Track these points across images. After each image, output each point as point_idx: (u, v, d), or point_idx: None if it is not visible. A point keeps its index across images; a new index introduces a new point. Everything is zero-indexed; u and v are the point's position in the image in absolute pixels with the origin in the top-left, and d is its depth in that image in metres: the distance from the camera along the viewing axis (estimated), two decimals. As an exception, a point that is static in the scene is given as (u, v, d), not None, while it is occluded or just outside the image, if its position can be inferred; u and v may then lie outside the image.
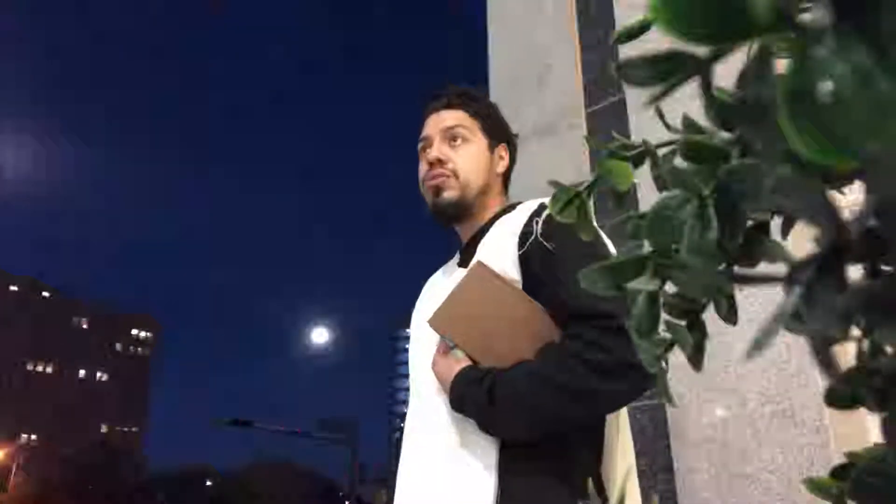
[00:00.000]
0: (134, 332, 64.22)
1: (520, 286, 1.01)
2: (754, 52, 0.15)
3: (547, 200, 1.07)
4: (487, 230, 1.13)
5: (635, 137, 0.50)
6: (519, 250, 1.03)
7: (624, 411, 1.03)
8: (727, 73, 0.20)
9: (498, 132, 1.23)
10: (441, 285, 1.19)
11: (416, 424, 1.09)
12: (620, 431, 1.02)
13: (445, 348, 1.04)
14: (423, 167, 1.19)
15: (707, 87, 0.18)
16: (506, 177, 1.24)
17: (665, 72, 0.18)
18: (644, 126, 1.85)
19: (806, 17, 0.14)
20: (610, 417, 1.01)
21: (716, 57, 0.16)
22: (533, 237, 1.01)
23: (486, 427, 0.96)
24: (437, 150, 1.17)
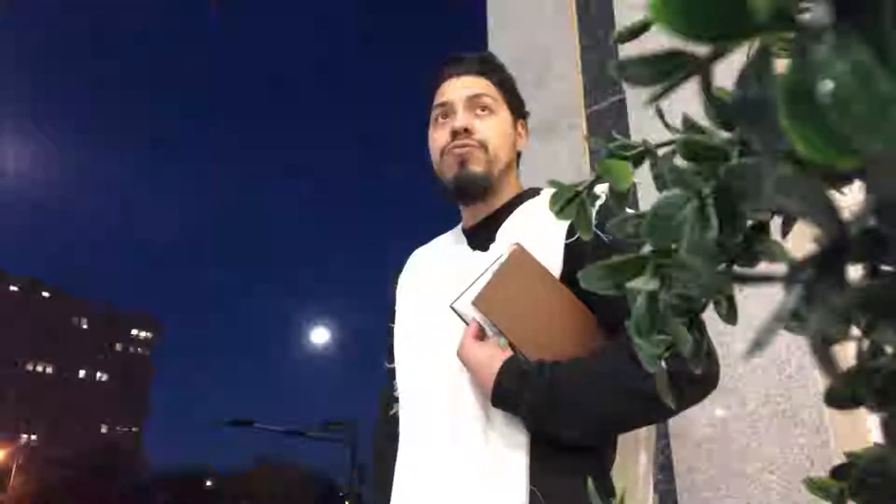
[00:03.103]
0: (134, 332, 64.23)
1: (558, 276, 0.93)
2: (754, 52, 0.15)
3: (599, 189, 1.02)
4: (507, 213, 1.04)
5: (635, 137, 0.50)
6: (567, 239, 0.94)
7: None
8: (727, 73, 0.20)
9: (519, 106, 1.15)
10: (445, 265, 1.08)
11: (426, 417, 0.97)
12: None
13: (480, 332, 0.93)
14: (442, 136, 1.08)
15: (707, 86, 0.18)
16: (520, 156, 1.16)
17: (665, 71, 0.18)
18: (644, 126, 1.85)
19: (806, 16, 0.14)
20: None
21: (716, 56, 0.16)
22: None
23: (537, 425, 0.87)
24: (465, 119, 1.06)
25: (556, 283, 0.93)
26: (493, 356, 0.89)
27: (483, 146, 1.05)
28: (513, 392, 0.87)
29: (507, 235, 0.99)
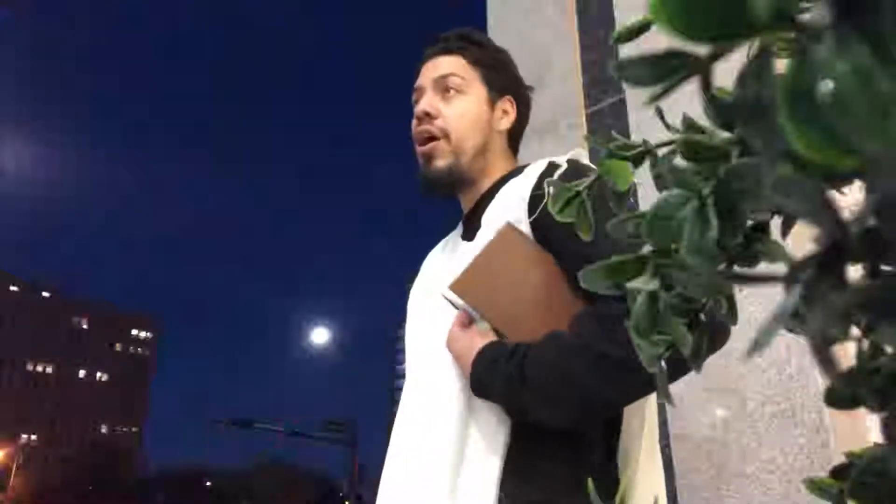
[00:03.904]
0: (134, 332, 64.19)
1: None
2: (754, 52, 0.15)
3: (557, 159, 0.94)
4: (492, 197, 0.98)
5: (635, 137, 0.50)
6: (529, 216, 0.89)
7: (654, 415, 0.91)
8: (727, 73, 0.20)
9: (503, 83, 1.07)
10: (444, 261, 1.06)
11: (413, 412, 0.94)
12: (647, 429, 0.89)
13: (465, 319, 0.89)
14: (413, 122, 1.04)
15: (707, 86, 0.18)
16: (513, 135, 1.08)
17: (665, 71, 0.18)
18: (644, 126, 1.85)
19: (806, 16, 0.14)
20: (630, 413, 0.89)
21: (716, 56, 0.16)
22: (545, 202, 0.86)
23: (516, 411, 0.83)
24: (428, 102, 1.02)
25: (548, 260, 0.88)
26: (472, 345, 0.86)
27: (445, 135, 1.01)
28: (484, 377, 0.83)
29: (489, 220, 0.94)
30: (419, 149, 1.02)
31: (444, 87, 1.03)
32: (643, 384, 0.80)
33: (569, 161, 0.92)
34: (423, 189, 1.03)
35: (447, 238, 1.14)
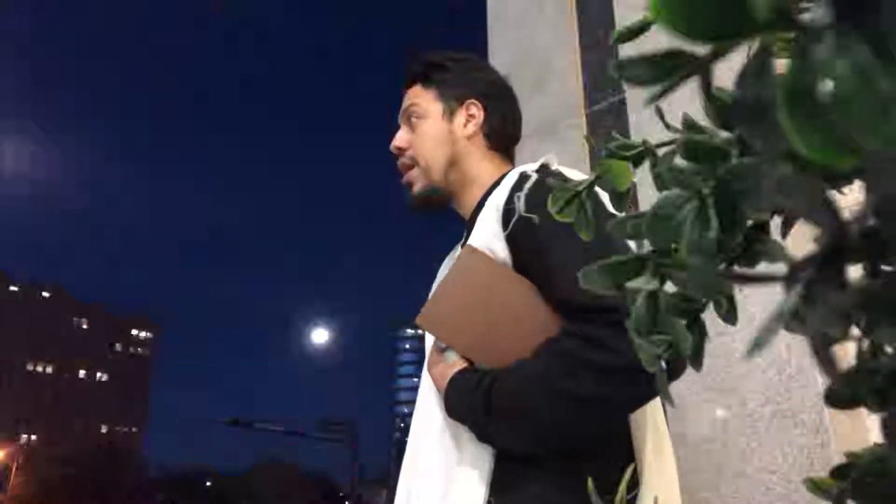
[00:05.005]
0: (134, 332, 64.19)
1: (509, 262, 0.88)
2: (754, 52, 0.15)
3: (528, 169, 0.96)
4: (483, 205, 0.98)
5: (635, 137, 0.50)
6: (504, 230, 0.89)
7: (659, 412, 0.90)
8: (727, 73, 0.20)
9: (459, 89, 1.06)
10: (443, 270, 1.09)
11: (415, 424, 0.98)
12: (657, 432, 0.88)
13: (439, 348, 0.92)
14: None
15: (707, 86, 0.18)
16: (491, 135, 1.06)
17: (665, 71, 0.18)
18: (644, 126, 1.85)
19: (806, 16, 0.14)
20: (640, 417, 0.87)
21: (716, 56, 0.16)
22: (516, 216, 0.87)
23: (484, 439, 0.84)
24: (398, 138, 1.09)
25: (514, 277, 0.87)
26: (444, 373, 0.89)
27: (414, 162, 1.06)
28: (456, 406, 0.86)
29: (475, 231, 0.94)
30: (403, 181, 1.09)
31: (408, 118, 1.08)
32: (601, 420, 0.82)
33: (539, 169, 0.94)
34: (411, 211, 1.08)
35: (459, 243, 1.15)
